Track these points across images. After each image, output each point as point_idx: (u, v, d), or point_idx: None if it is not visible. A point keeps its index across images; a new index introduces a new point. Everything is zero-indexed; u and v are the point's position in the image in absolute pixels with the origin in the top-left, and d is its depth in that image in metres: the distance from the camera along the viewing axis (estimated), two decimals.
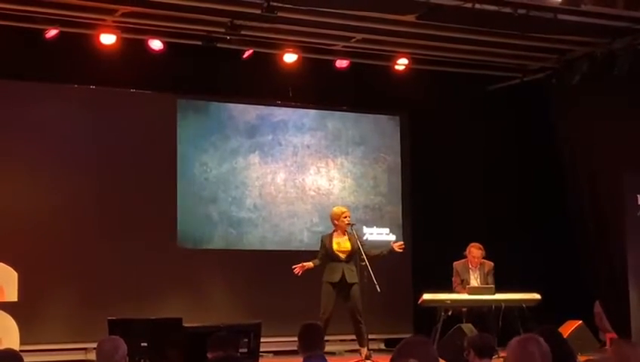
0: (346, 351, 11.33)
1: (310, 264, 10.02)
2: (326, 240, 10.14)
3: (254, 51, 11.42)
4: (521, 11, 9.97)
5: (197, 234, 11.77)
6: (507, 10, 9.95)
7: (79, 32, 10.65)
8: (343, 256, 10.01)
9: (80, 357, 10.69)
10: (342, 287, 9.95)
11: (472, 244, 10.83)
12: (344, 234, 10.11)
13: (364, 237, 11.39)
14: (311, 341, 5.82)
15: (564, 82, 12.06)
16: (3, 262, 9.45)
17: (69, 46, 10.65)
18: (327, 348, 8.11)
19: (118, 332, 7.08)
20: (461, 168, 12.68)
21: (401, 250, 10.29)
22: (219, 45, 11.04)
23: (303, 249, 11.67)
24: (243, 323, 9.11)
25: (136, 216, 11.25)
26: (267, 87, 11.85)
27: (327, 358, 5.94)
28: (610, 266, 12.07)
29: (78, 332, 10.71)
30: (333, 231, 10.20)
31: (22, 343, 9.13)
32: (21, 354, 5.00)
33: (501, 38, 11.30)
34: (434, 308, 10.44)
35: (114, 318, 8.66)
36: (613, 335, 11.18)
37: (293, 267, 10.02)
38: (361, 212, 12.53)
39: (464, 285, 10.77)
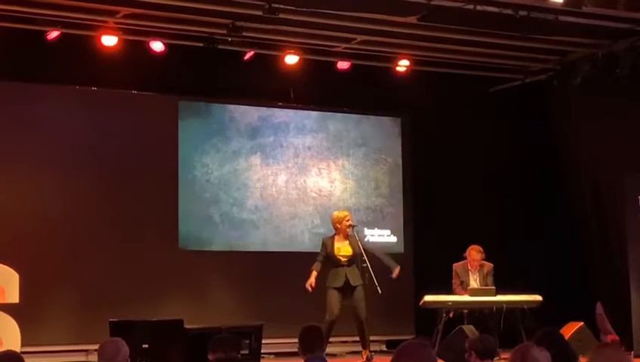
0: (347, 353, 11.34)
1: (314, 276, 9.96)
2: (327, 244, 10.13)
3: (256, 53, 11.42)
4: (523, 13, 9.96)
5: (198, 236, 11.76)
6: (508, 11, 9.95)
7: (81, 34, 10.66)
8: (344, 260, 10.01)
9: (81, 358, 10.69)
10: (346, 291, 9.95)
11: (472, 247, 10.83)
12: (345, 239, 10.11)
13: (365, 239, 11.38)
14: (311, 343, 5.83)
15: (565, 84, 12.07)
16: (4, 263, 9.44)
17: (70, 48, 10.66)
18: (329, 349, 8.14)
19: (119, 334, 7.09)
20: (462, 170, 12.68)
21: (395, 277, 10.21)
22: (220, 47, 11.04)
23: (304, 250, 11.67)
24: (244, 325, 9.13)
25: (138, 217, 11.25)
26: (268, 88, 11.85)
27: (328, 360, 5.94)
28: (611, 267, 12.08)
29: (79, 334, 10.71)
30: (335, 234, 10.19)
31: (23, 345, 9.13)
32: (22, 355, 4.99)
33: (502, 40, 11.30)
34: (435, 309, 10.44)
35: (115, 320, 8.70)
36: (615, 336, 11.17)
37: (307, 287, 9.96)
38: (363, 213, 12.53)
39: (464, 286, 10.77)
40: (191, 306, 11.10)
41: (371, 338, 10.23)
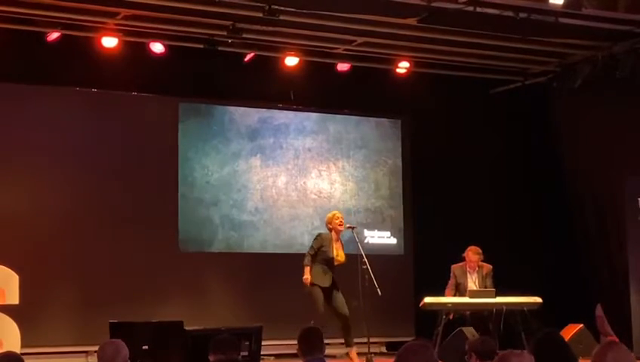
0: (347, 354, 11.32)
1: (308, 271, 9.96)
2: (325, 242, 10.09)
3: (256, 54, 11.44)
4: (523, 15, 9.97)
5: (198, 237, 11.76)
6: (509, 13, 9.96)
7: (81, 35, 10.67)
8: (336, 264, 10.03)
9: (81, 360, 10.69)
10: (330, 292, 9.97)
11: (470, 248, 10.80)
12: (339, 240, 10.12)
13: (365, 241, 11.37)
14: (311, 345, 5.82)
15: (565, 86, 12.08)
16: (4, 264, 9.45)
17: (70, 49, 10.67)
18: (328, 351, 8.11)
19: (119, 336, 7.07)
20: (462, 171, 12.68)
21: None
22: (220, 48, 11.05)
23: (304, 252, 11.65)
24: (244, 326, 9.15)
25: (138, 218, 11.25)
26: (269, 90, 11.85)
27: (327, 361, 5.94)
28: (611, 269, 12.09)
29: (79, 335, 10.71)
30: (331, 234, 10.16)
31: (23, 346, 9.11)
32: (22, 357, 4.99)
33: (502, 42, 11.31)
34: (435, 311, 10.43)
35: (115, 321, 8.70)
36: (615, 338, 11.16)
37: (305, 281, 9.96)
38: (362, 215, 12.53)
39: (460, 289, 10.73)
40: (191, 307, 11.10)
41: (371, 339, 10.23)
